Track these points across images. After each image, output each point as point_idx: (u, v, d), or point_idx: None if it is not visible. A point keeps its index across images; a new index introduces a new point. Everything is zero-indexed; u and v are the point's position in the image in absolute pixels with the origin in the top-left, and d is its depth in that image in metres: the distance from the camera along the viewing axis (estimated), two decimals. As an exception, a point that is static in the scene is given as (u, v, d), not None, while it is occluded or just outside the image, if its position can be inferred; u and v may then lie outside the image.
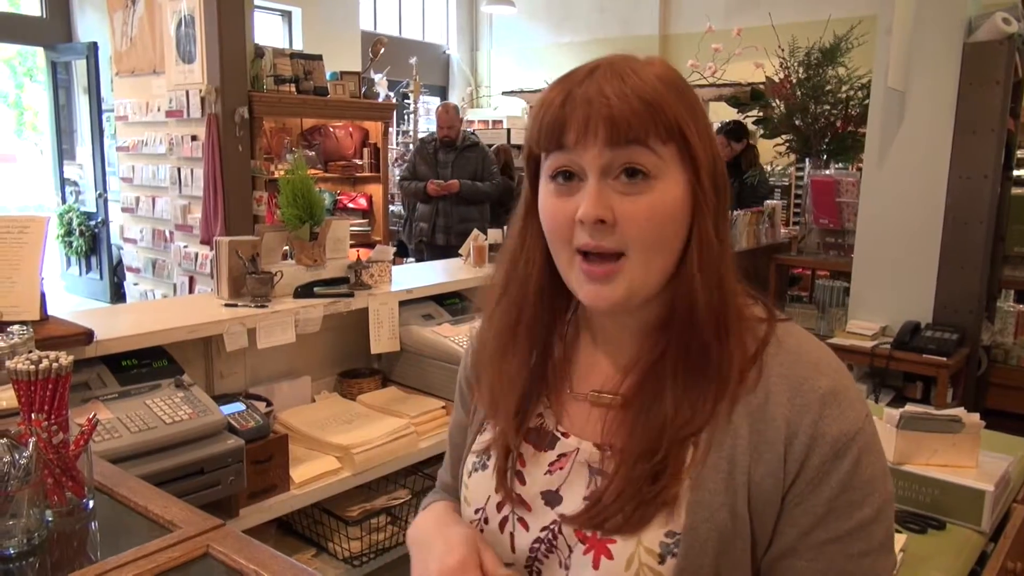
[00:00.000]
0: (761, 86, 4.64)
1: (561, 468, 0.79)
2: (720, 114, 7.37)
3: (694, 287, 0.72)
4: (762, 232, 4.52)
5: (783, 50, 4.30)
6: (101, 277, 7.50)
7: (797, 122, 4.32)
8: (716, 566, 0.70)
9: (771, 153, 4.92)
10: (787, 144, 4.49)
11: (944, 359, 3.07)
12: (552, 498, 0.78)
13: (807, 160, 4.43)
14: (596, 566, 0.73)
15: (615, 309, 0.74)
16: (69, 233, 7.60)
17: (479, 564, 0.73)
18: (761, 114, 4.73)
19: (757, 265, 4.45)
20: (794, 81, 4.25)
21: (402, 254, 5.40)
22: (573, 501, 0.77)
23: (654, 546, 0.71)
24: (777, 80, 4.39)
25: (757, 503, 0.70)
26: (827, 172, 4.20)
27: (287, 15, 8.95)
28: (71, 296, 7.67)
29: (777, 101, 4.44)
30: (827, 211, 4.11)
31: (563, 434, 0.80)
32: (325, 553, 2.29)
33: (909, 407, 1.70)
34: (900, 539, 1.48)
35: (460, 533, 0.77)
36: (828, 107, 4.24)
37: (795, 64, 4.22)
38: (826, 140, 4.33)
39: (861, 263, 3.53)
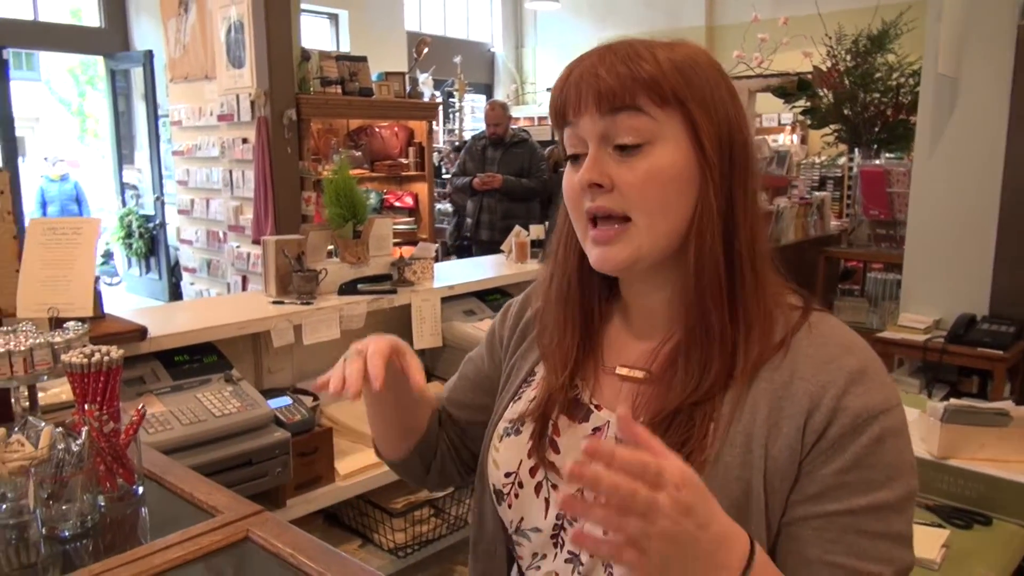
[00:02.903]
0: (808, 76, 4.55)
1: None
2: (767, 105, 7.26)
3: (694, 251, 0.74)
4: (810, 224, 4.44)
5: (830, 38, 4.22)
6: (160, 277, 7.74)
7: (846, 111, 4.24)
8: None
9: (819, 143, 4.83)
10: (835, 134, 4.40)
11: (1001, 352, 2.98)
12: None
13: (856, 150, 4.34)
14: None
15: (621, 270, 0.77)
16: (129, 235, 7.86)
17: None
18: (808, 104, 4.65)
19: (806, 258, 4.38)
20: (842, 70, 4.17)
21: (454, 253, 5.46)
22: None
23: None
24: (825, 69, 4.31)
25: (773, 478, 0.71)
26: (877, 162, 4.11)
27: (334, 18, 9.10)
28: (131, 296, 7.94)
29: (824, 90, 4.36)
30: (878, 202, 4.03)
31: (596, 407, 0.83)
32: (371, 544, 2.35)
33: (955, 400, 1.67)
34: (943, 534, 1.46)
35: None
36: (878, 95, 4.15)
37: (842, 52, 4.13)
38: (876, 129, 4.23)
39: (913, 255, 3.45)
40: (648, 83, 0.72)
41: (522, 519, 0.85)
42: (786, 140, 8.86)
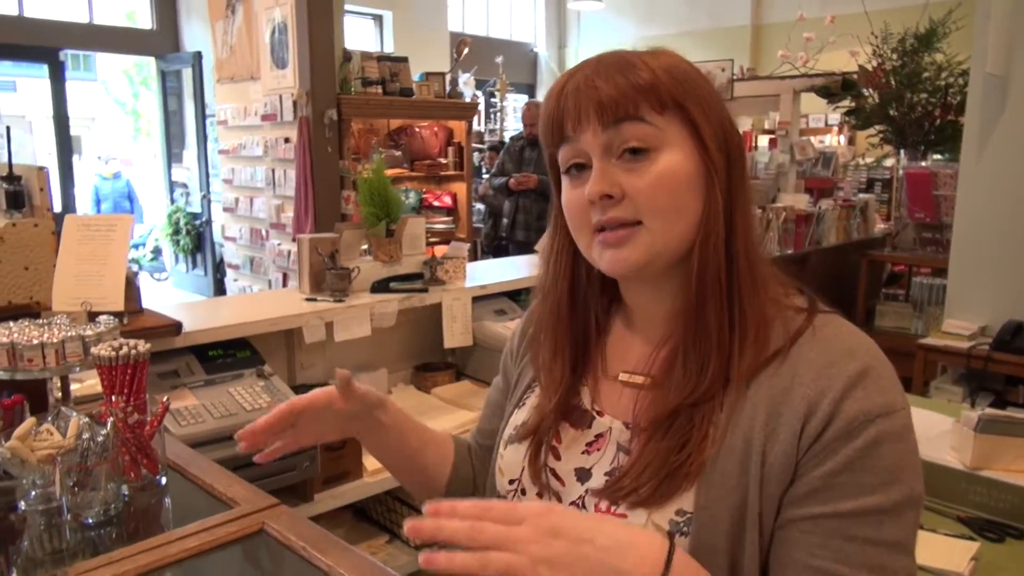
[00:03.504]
0: (854, 75, 4.46)
1: (599, 449, 0.81)
2: (813, 106, 7.12)
3: (698, 252, 0.74)
4: (853, 227, 4.35)
5: (876, 37, 4.13)
6: (205, 273, 7.93)
7: (891, 112, 4.14)
8: (731, 547, 0.70)
9: (863, 145, 4.73)
10: (880, 135, 4.30)
11: (1049, 361, 2.89)
12: (583, 475, 0.81)
13: (902, 151, 4.24)
14: None
15: (634, 271, 0.76)
16: (177, 232, 8.07)
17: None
18: (853, 104, 4.55)
19: (848, 261, 4.29)
20: (888, 69, 4.07)
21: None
22: (599, 478, 0.79)
23: (664, 523, 0.72)
24: (870, 68, 4.22)
25: (769, 485, 0.70)
26: (923, 164, 4.01)
27: (378, 19, 9.21)
28: (177, 291, 8.15)
29: (870, 90, 4.27)
30: (923, 205, 3.93)
31: (598, 412, 0.83)
32: (398, 540, 2.37)
33: (990, 410, 1.62)
34: (973, 547, 1.42)
35: None
36: (925, 95, 4.05)
37: (888, 51, 4.04)
38: (924, 130, 4.13)
39: (959, 259, 3.35)
40: (647, 90, 0.72)
41: None
42: (833, 141, 8.70)
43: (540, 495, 0.83)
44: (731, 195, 0.75)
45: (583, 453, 0.82)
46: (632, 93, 0.72)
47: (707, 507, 0.70)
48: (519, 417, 0.90)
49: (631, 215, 0.73)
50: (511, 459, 0.88)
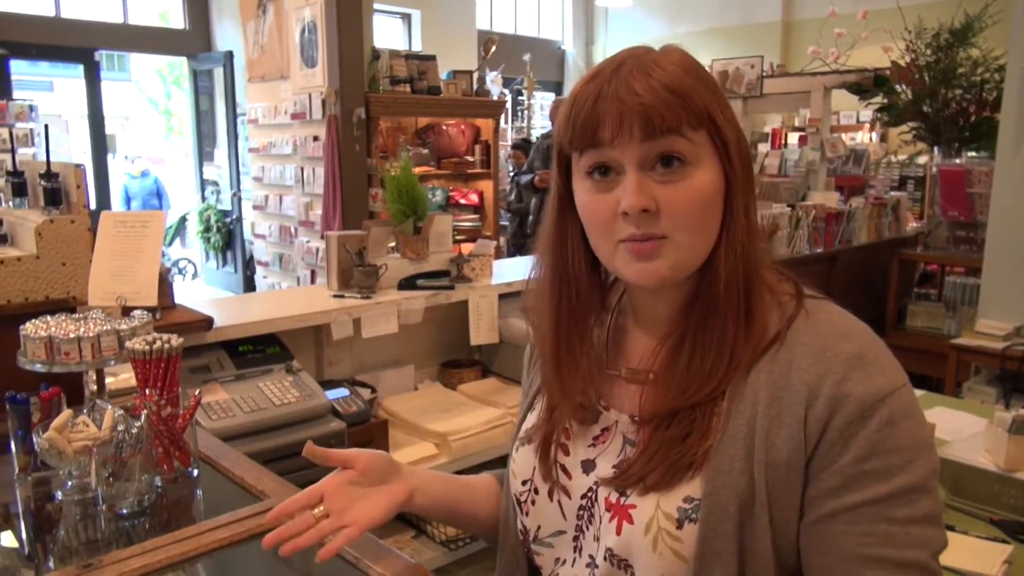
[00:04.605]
0: (886, 71, 4.39)
1: (604, 442, 0.82)
2: (844, 103, 7.03)
3: (723, 263, 0.75)
4: (884, 225, 4.29)
5: (909, 32, 4.06)
6: (235, 270, 8.03)
7: (925, 108, 4.07)
8: (739, 533, 0.70)
9: (896, 142, 4.65)
10: (913, 132, 4.23)
11: (1086, 363, 2.82)
12: (588, 466, 0.82)
13: (936, 149, 4.16)
14: (619, 532, 0.76)
15: (663, 284, 0.76)
16: (208, 229, 8.18)
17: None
18: (885, 101, 4.49)
19: (879, 259, 4.23)
20: (921, 65, 4.00)
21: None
22: (605, 469, 0.80)
23: (672, 510, 0.73)
24: (904, 64, 4.15)
25: (776, 468, 0.70)
26: (957, 161, 3.94)
27: (407, 17, 9.25)
28: (209, 288, 8.26)
29: (903, 86, 4.20)
30: (957, 203, 3.86)
31: (604, 407, 0.84)
32: (424, 536, 2.39)
33: (1023, 411, 1.59)
34: (1006, 550, 1.39)
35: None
36: (960, 91, 3.97)
37: (922, 46, 3.97)
38: (958, 127, 4.05)
39: (993, 258, 3.29)
40: (686, 104, 0.71)
41: (539, 527, 0.86)
42: (864, 138, 8.57)
43: (551, 492, 0.84)
44: (748, 205, 0.76)
45: (590, 446, 0.83)
46: (675, 106, 0.71)
47: (714, 493, 0.71)
48: (530, 420, 0.91)
49: (661, 231, 0.73)
50: (523, 461, 0.88)
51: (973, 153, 4.21)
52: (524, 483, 0.88)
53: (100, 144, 7.64)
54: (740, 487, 0.71)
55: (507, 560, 0.93)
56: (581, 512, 0.82)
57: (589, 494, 0.81)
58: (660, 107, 0.70)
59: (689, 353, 0.76)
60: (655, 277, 0.75)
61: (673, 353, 0.79)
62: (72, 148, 8.05)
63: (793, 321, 0.75)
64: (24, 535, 1.12)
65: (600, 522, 0.79)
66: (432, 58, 5.36)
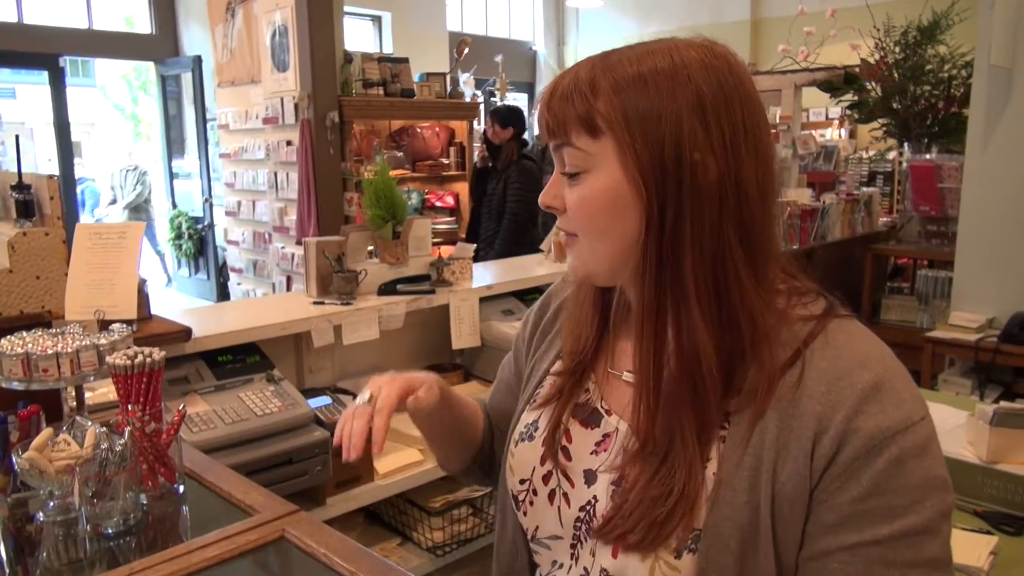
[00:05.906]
0: (856, 69, 4.45)
1: (605, 450, 0.81)
2: (814, 100, 7.10)
3: (642, 276, 0.73)
4: (857, 221, 4.35)
5: (878, 30, 4.11)
6: (208, 278, 7.92)
7: (894, 105, 4.13)
8: (740, 566, 0.68)
9: (867, 138, 4.71)
10: (884, 129, 4.29)
11: (1058, 352, 2.88)
12: (590, 476, 0.81)
13: (906, 145, 4.23)
14: (615, 555, 0.74)
15: (584, 281, 0.83)
16: (179, 236, 8.06)
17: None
18: (856, 98, 4.54)
19: (853, 255, 4.29)
20: (890, 62, 4.06)
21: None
22: (604, 486, 0.79)
23: (667, 553, 0.71)
24: (873, 62, 4.21)
25: (781, 503, 0.68)
26: (927, 157, 4.00)
27: (377, 20, 9.19)
28: (181, 296, 8.14)
29: (872, 84, 4.26)
30: (928, 198, 3.92)
31: (606, 411, 0.83)
32: (410, 542, 2.37)
33: (1005, 403, 1.61)
34: (992, 541, 1.41)
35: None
36: (928, 88, 4.03)
37: (891, 44, 4.03)
38: (927, 123, 4.12)
39: (964, 251, 3.35)
40: (580, 118, 0.73)
41: (537, 527, 0.85)
42: (834, 135, 8.68)
43: (551, 496, 0.83)
44: (679, 217, 0.70)
45: (591, 453, 0.82)
46: (565, 121, 0.74)
47: (715, 525, 0.69)
48: (529, 416, 0.90)
49: (569, 228, 0.78)
50: (522, 458, 0.87)
51: (944, 149, 4.28)
52: (522, 482, 0.87)
53: (67, 151, 7.49)
54: (743, 520, 0.68)
55: (507, 549, 0.92)
56: (578, 524, 0.80)
57: (587, 507, 0.80)
58: (548, 118, 0.75)
59: (676, 404, 0.73)
60: (573, 272, 0.81)
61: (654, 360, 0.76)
62: (37, 156, 7.89)
63: (811, 342, 0.71)
64: (4, 558, 1.09)
65: (597, 539, 0.77)
66: (405, 60, 5.33)
